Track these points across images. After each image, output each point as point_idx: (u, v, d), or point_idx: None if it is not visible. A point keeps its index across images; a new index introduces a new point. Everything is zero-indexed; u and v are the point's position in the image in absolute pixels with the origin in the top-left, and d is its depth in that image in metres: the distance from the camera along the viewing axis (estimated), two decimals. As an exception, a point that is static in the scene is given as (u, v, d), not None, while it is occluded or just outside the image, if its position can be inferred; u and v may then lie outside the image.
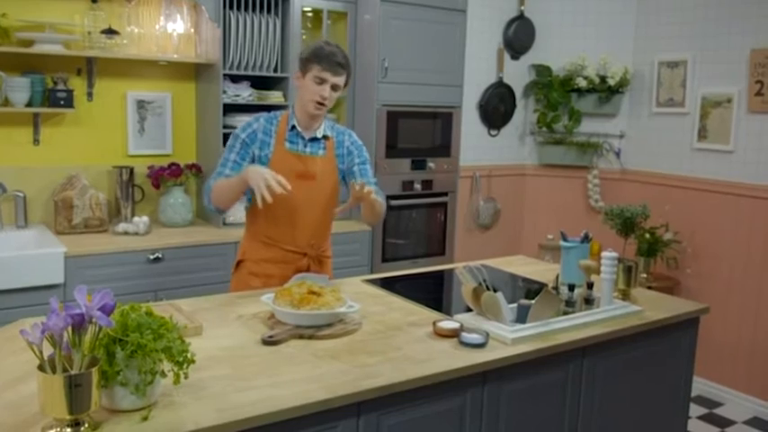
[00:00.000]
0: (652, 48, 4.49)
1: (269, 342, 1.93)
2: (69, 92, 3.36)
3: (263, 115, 2.53)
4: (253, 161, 2.47)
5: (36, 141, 3.45)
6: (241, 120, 3.41)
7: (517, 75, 4.84)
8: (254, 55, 3.63)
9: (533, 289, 2.63)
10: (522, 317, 2.13)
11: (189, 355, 1.52)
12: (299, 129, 2.49)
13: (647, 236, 4.15)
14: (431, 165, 4.11)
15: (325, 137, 2.54)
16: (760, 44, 3.87)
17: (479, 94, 4.71)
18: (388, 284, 2.64)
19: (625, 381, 2.34)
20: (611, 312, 2.30)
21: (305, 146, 2.50)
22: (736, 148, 4.01)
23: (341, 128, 2.64)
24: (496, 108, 4.78)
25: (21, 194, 3.37)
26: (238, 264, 2.61)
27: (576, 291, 2.30)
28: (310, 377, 1.71)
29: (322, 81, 2.40)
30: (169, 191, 3.65)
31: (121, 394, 1.45)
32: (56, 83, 3.35)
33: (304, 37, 3.85)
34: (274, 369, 1.76)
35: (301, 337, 1.98)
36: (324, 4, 3.84)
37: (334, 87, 2.43)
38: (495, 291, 2.14)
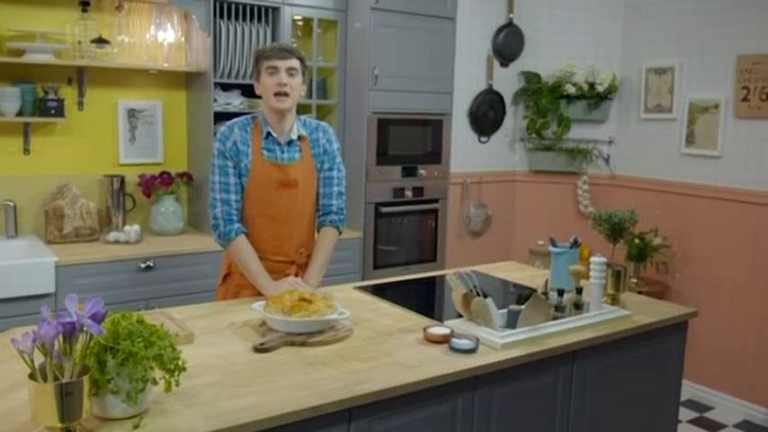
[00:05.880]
0: (640, 54, 4.53)
1: (260, 349, 1.93)
2: (60, 101, 3.36)
3: (236, 123, 2.47)
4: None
5: (26, 151, 3.44)
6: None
7: (506, 82, 4.87)
8: (244, 63, 3.64)
9: (524, 294, 2.64)
10: (511, 322, 2.14)
11: (180, 363, 1.53)
12: (274, 135, 2.46)
13: (637, 241, 4.18)
14: (422, 172, 4.13)
15: (300, 137, 2.51)
16: (746, 50, 3.91)
17: (469, 102, 4.73)
18: (379, 291, 2.65)
19: (615, 385, 2.36)
20: (600, 317, 2.32)
21: (282, 152, 2.47)
22: (723, 154, 4.05)
23: (313, 123, 2.60)
24: (486, 115, 4.80)
25: (11, 204, 3.36)
26: (225, 277, 2.57)
27: (566, 296, 2.32)
28: (302, 383, 1.72)
29: (274, 70, 2.39)
30: (160, 199, 3.65)
31: (113, 402, 1.45)
32: (46, 92, 3.35)
33: (294, 45, 3.86)
34: (266, 376, 1.76)
35: (293, 344, 1.99)
36: (314, 13, 3.86)
37: (291, 72, 2.40)
38: (485, 296, 2.16)
